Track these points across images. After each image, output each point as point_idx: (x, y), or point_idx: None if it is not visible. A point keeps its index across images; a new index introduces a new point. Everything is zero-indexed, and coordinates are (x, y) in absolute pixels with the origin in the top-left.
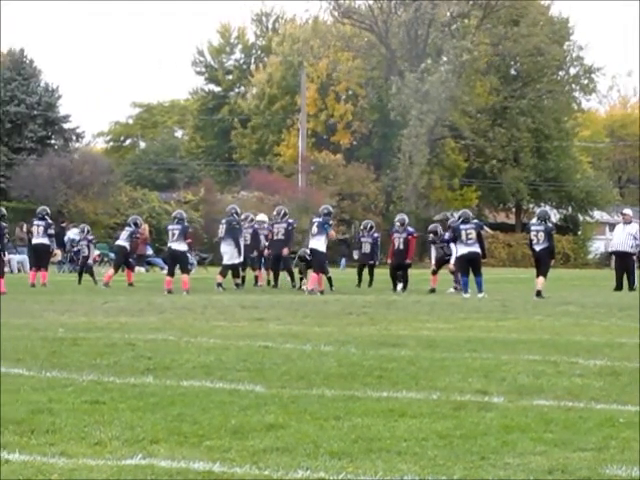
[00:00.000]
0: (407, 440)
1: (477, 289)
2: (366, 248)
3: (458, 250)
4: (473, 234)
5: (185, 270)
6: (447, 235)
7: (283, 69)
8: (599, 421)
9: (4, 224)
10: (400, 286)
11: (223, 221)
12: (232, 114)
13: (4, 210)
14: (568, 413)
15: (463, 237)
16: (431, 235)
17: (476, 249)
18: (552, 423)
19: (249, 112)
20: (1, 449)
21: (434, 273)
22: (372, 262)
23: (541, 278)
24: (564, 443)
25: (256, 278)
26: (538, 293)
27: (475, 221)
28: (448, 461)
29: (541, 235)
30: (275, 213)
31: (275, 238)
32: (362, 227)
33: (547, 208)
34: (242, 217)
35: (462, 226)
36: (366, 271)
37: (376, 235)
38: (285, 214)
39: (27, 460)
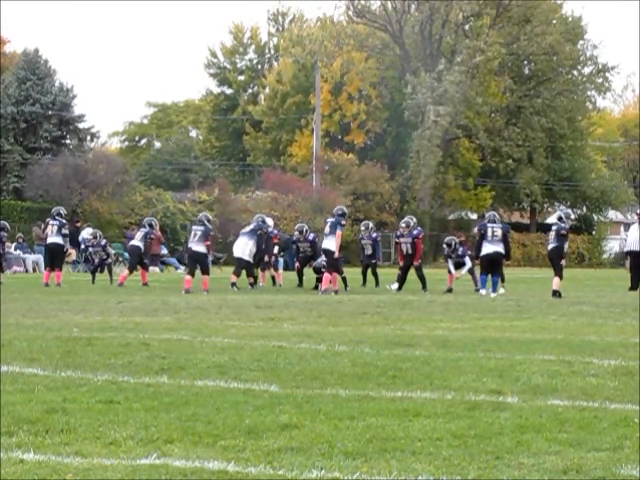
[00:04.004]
0: (421, 440)
1: (492, 288)
2: (368, 249)
3: (483, 248)
4: (499, 232)
5: (205, 271)
6: (461, 250)
7: (295, 69)
8: (614, 421)
9: None
10: (396, 285)
11: (252, 225)
12: (244, 114)
13: None
14: (582, 413)
15: (489, 234)
16: (446, 248)
17: (500, 249)
18: (566, 423)
19: (262, 114)
20: (16, 449)
21: (450, 272)
22: (374, 262)
23: (556, 278)
24: (579, 443)
25: (273, 278)
26: (554, 293)
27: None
28: (462, 461)
29: (552, 234)
30: (297, 232)
31: (305, 255)
32: (363, 228)
33: (564, 209)
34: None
35: (489, 224)
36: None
37: (375, 235)
38: (307, 231)
39: (42, 460)
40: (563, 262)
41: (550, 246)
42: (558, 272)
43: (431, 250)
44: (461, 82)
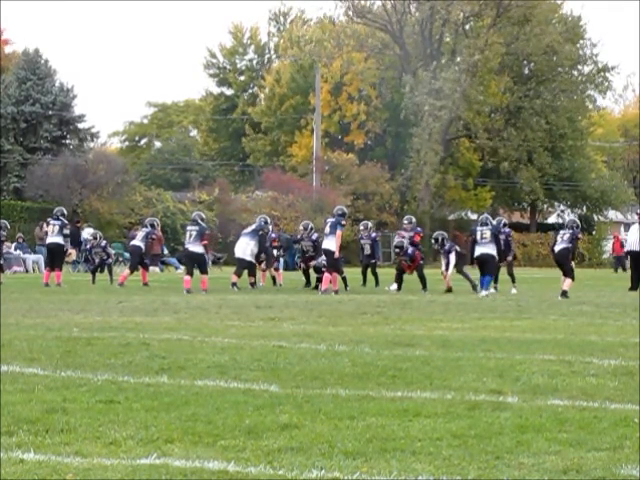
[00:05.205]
0: (421, 440)
1: (485, 286)
2: (367, 249)
3: (475, 251)
4: (487, 234)
5: (204, 271)
6: (448, 245)
7: (293, 70)
8: (614, 421)
9: None
10: (395, 286)
11: (254, 226)
12: (244, 115)
13: None
14: (583, 413)
15: (478, 237)
16: (433, 242)
17: (489, 250)
18: (567, 423)
19: (261, 114)
20: (16, 449)
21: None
22: (373, 261)
23: (568, 280)
24: (579, 443)
25: (273, 278)
26: (563, 293)
27: (494, 223)
28: (462, 461)
29: (566, 237)
30: (302, 228)
31: (307, 255)
32: (361, 228)
33: (567, 211)
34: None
35: (479, 227)
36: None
37: (374, 235)
38: (312, 229)
39: (42, 459)
40: (572, 263)
41: (559, 247)
42: (570, 274)
43: (431, 250)
44: (459, 80)
